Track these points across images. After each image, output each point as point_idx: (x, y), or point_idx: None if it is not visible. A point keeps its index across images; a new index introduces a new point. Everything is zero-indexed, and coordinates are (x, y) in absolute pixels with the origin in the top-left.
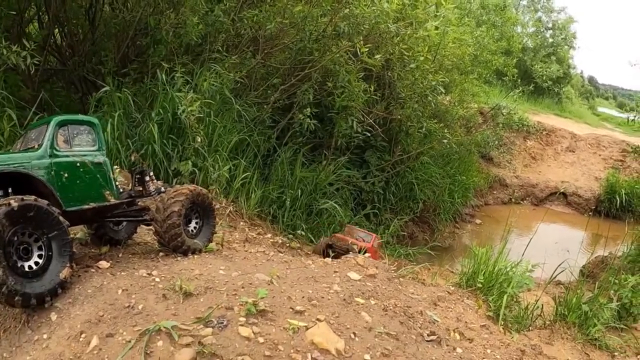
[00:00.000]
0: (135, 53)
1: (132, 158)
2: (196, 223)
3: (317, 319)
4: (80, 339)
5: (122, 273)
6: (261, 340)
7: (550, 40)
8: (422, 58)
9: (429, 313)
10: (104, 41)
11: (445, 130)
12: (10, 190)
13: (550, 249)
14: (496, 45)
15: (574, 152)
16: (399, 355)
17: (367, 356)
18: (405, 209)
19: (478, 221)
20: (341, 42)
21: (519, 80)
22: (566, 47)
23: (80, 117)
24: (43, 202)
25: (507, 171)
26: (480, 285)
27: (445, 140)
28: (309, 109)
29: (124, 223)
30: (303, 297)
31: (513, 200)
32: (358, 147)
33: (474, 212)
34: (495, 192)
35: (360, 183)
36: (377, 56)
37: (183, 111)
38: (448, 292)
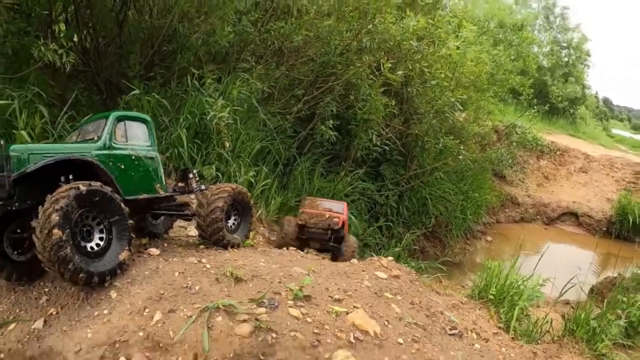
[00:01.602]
0: (161, 58)
1: None
2: (235, 219)
3: (355, 306)
4: (144, 314)
5: (174, 259)
6: (309, 320)
7: (565, 59)
8: (442, 75)
9: (448, 314)
10: (131, 45)
11: (461, 147)
12: (71, 177)
13: (560, 267)
14: (512, 65)
15: (586, 172)
16: (426, 343)
17: (400, 340)
18: (417, 223)
19: (489, 238)
20: (365, 57)
21: (535, 99)
22: (580, 65)
23: (136, 114)
24: (107, 189)
25: (520, 190)
26: (492, 297)
27: (460, 157)
28: (331, 121)
29: (162, 217)
30: (339, 288)
31: (524, 219)
32: (374, 160)
33: (485, 229)
34: (507, 210)
35: (374, 196)
36: (399, 72)
37: (214, 116)
38: (461, 302)
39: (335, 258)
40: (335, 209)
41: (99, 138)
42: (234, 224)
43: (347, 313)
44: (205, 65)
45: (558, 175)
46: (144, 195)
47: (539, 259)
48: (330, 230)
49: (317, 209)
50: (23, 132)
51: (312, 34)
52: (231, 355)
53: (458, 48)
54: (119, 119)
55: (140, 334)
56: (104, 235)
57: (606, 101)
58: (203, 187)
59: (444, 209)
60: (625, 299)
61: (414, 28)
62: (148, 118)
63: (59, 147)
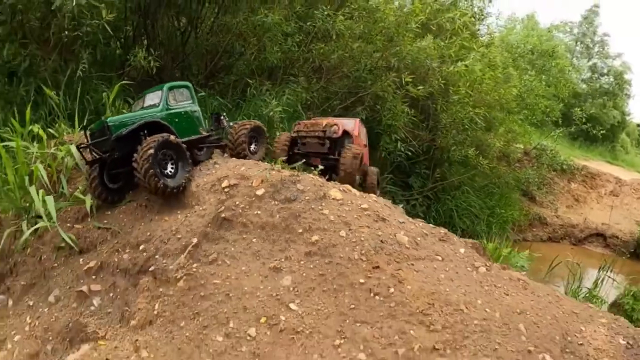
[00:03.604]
0: (218, 70)
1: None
2: (255, 145)
3: None
4: (232, 169)
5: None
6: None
7: (606, 86)
8: (463, 92)
9: None
10: (193, 59)
11: (481, 158)
12: (145, 132)
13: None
14: (544, 90)
15: (617, 196)
16: None
17: None
18: None
19: None
20: (389, 74)
21: (585, 124)
22: (621, 93)
23: (180, 83)
24: (175, 138)
25: (549, 210)
26: None
27: (479, 166)
28: None
29: (204, 149)
30: None
31: (552, 238)
32: (403, 173)
33: (512, 246)
34: (534, 229)
35: (401, 203)
36: (420, 87)
37: (270, 110)
38: None
39: (331, 177)
40: (344, 122)
41: (159, 104)
42: (255, 147)
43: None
44: (257, 77)
45: (588, 198)
46: (193, 137)
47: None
48: (328, 140)
49: (315, 120)
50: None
51: (346, 54)
52: (275, 180)
53: (466, 67)
54: (170, 89)
55: (233, 173)
56: (174, 166)
57: None
58: (231, 123)
59: (470, 223)
60: None
61: (426, 47)
62: (188, 84)
63: (136, 115)
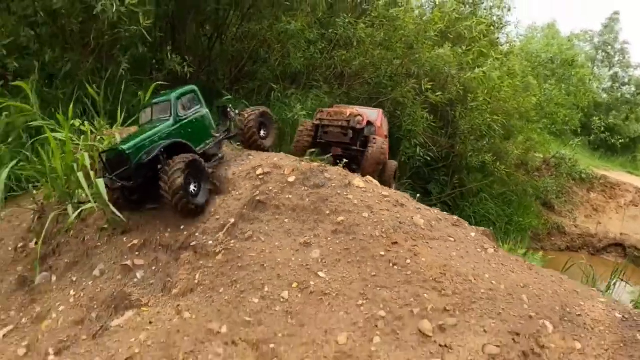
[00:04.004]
0: (243, 75)
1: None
2: (264, 132)
3: None
4: (264, 158)
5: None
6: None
7: (627, 96)
8: (481, 99)
9: None
10: (219, 64)
11: (498, 164)
12: (164, 154)
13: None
14: (564, 99)
15: (637, 206)
16: None
17: None
18: None
19: None
20: (409, 80)
21: (603, 133)
22: None
23: (185, 88)
24: (200, 160)
25: (568, 220)
26: None
27: (497, 172)
28: None
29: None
30: None
31: (570, 248)
32: (422, 179)
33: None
34: (553, 238)
35: None
36: (438, 93)
37: (295, 115)
38: None
39: (353, 169)
40: (367, 113)
41: (170, 116)
42: (264, 133)
43: None
44: (281, 82)
45: (607, 208)
46: (206, 143)
47: None
48: (352, 130)
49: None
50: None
51: (367, 61)
52: (305, 169)
53: (484, 73)
54: (178, 98)
55: (266, 163)
56: (197, 185)
57: None
58: (237, 111)
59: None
60: None
61: (444, 54)
62: (194, 87)
63: (148, 134)
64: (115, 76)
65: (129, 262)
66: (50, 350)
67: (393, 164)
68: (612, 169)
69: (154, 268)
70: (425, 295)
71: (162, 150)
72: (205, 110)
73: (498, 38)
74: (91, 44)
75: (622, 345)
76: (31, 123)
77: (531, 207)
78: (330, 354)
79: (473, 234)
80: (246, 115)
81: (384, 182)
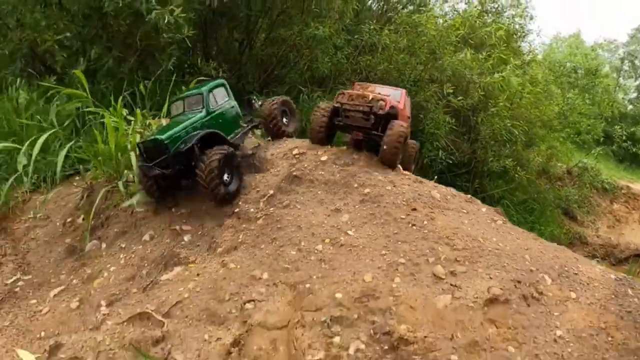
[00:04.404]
0: (273, 79)
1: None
2: (286, 119)
3: None
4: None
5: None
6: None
7: None
8: (501, 104)
9: None
10: (249, 68)
11: (518, 169)
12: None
13: None
14: (587, 109)
15: None
16: None
17: None
18: None
19: None
20: (431, 85)
21: (625, 142)
22: None
23: (215, 82)
24: (234, 152)
25: (590, 230)
26: None
27: (517, 177)
28: None
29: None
30: None
31: (592, 258)
32: (444, 184)
33: None
34: (574, 248)
35: None
36: (460, 98)
37: None
38: None
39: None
40: (390, 94)
41: (203, 108)
42: (286, 121)
43: None
44: (309, 85)
45: (630, 219)
46: (236, 135)
47: None
48: (374, 115)
49: (361, 90)
50: None
51: (391, 66)
52: (336, 151)
53: (503, 77)
54: (209, 91)
55: (301, 145)
56: (230, 175)
57: None
58: (260, 102)
59: None
60: None
61: (464, 59)
62: (223, 81)
63: (184, 125)
64: (154, 75)
65: (177, 227)
66: (102, 302)
67: (413, 144)
68: (636, 180)
69: (200, 232)
70: (439, 248)
71: (198, 140)
72: (234, 102)
73: (520, 46)
74: (137, 44)
75: (613, 296)
76: (86, 109)
77: (553, 216)
78: (358, 289)
79: (484, 209)
80: (268, 105)
81: (402, 164)
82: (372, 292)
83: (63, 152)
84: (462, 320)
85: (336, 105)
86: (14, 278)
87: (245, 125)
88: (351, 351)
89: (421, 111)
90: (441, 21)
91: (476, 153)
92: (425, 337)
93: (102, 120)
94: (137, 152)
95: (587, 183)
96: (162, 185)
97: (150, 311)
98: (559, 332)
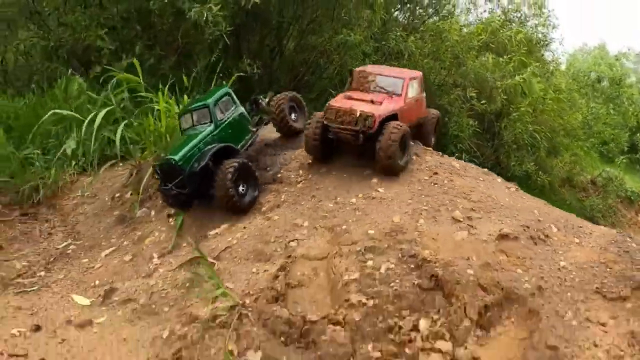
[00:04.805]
0: (302, 84)
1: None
2: (295, 115)
3: None
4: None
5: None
6: None
7: None
8: (523, 109)
9: None
10: (281, 72)
11: (540, 173)
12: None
13: None
14: (611, 118)
15: None
16: None
17: None
18: None
19: None
20: (455, 89)
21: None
22: None
23: (219, 92)
24: (249, 163)
25: None
26: None
27: (539, 180)
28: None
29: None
30: None
31: None
32: None
33: None
34: None
35: None
36: (483, 102)
37: None
38: None
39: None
40: (387, 89)
41: (210, 122)
42: (295, 116)
43: None
44: (339, 90)
45: None
46: (247, 141)
47: None
48: (362, 134)
49: (354, 97)
50: None
51: None
52: None
53: (524, 80)
54: (215, 104)
55: None
56: (245, 186)
57: None
58: (267, 99)
59: None
60: None
61: (486, 63)
62: (228, 89)
63: (195, 142)
64: (194, 71)
65: None
66: (154, 255)
67: (433, 114)
68: None
69: None
70: (458, 200)
71: (211, 156)
72: (241, 109)
73: (543, 55)
74: (179, 42)
75: (613, 242)
76: (140, 93)
77: None
78: (388, 227)
79: (499, 180)
80: (276, 102)
81: (422, 137)
82: (400, 228)
83: (121, 126)
84: (476, 248)
85: (325, 122)
86: (65, 243)
87: (254, 129)
88: (382, 270)
89: (445, 114)
90: (465, 30)
91: (499, 159)
92: (445, 258)
93: (150, 105)
94: (154, 173)
95: (612, 193)
96: (186, 199)
97: (200, 256)
98: (562, 264)
